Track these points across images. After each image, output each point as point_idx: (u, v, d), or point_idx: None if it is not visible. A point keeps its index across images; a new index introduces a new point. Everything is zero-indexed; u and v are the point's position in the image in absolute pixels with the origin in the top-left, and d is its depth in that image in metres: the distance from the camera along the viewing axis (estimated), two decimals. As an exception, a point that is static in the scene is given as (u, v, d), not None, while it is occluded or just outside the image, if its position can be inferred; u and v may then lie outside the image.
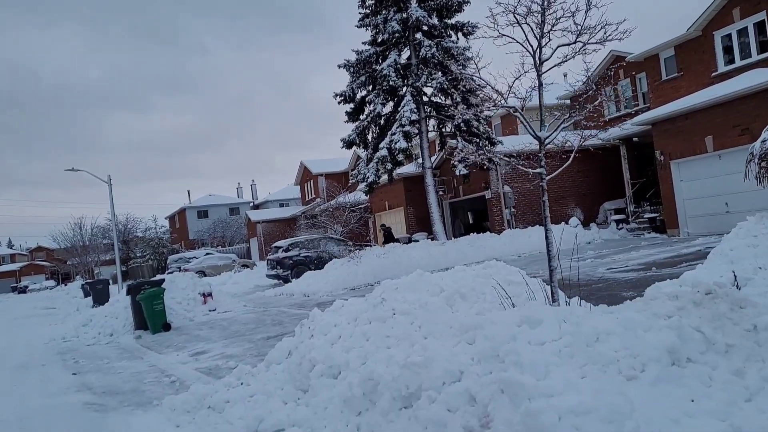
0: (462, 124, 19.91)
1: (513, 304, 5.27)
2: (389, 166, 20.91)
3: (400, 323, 5.12)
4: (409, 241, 23.77)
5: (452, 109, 20.26)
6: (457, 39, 21.28)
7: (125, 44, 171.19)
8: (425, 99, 21.77)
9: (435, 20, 21.14)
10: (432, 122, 22.62)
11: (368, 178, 20.80)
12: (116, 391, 7.67)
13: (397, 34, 20.72)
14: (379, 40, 21.46)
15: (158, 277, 18.69)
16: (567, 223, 20.11)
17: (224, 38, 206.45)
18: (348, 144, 22.04)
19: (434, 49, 20.15)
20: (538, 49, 5.66)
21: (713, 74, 18.47)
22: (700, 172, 16.37)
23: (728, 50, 18.34)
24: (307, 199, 44.85)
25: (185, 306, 14.60)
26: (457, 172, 21.97)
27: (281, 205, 50.94)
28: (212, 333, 12.02)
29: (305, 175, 44.92)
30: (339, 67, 21.59)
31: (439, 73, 20.81)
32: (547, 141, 5.71)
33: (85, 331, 14.15)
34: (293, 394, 5.52)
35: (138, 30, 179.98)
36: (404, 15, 20.59)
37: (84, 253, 53.32)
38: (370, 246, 23.94)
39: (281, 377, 5.89)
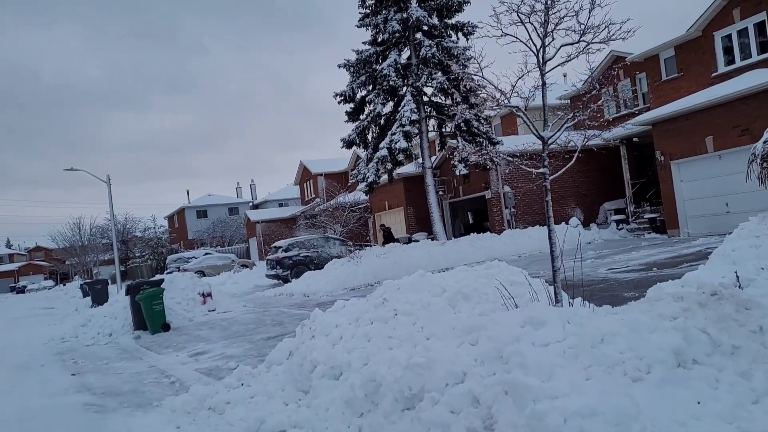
0: (462, 124, 19.91)
1: (516, 304, 5.24)
2: (389, 166, 20.92)
3: (403, 324, 5.09)
4: (409, 241, 23.74)
5: (453, 108, 20.25)
6: (458, 39, 21.29)
7: (125, 44, 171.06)
8: (425, 99, 21.77)
9: (435, 20, 21.16)
10: (432, 122, 22.63)
11: (368, 178, 20.79)
12: (116, 392, 7.64)
13: (397, 34, 20.71)
14: (380, 39, 21.46)
15: (157, 277, 18.66)
16: (567, 223, 20.12)
17: (223, 38, 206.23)
18: (348, 144, 22.04)
19: (434, 49, 20.16)
20: (542, 49, 5.64)
21: (713, 75, 18.47)
22: (701, 173, 16.36)
23: (728, 51, 18.33)
24: (306, 199, 44.80)
25: (185, 306, 14.57)
26: (457, 172, 21.98)
27: (281, 205, 50.87)
28: (212, 333, 11.98)
29: (305, 175, 44.89)
30: (339, 66, 21.59)
31: (440, 73, 20.82)
32: (550, 141, 5.69)
33: (84, 332, 14.10)
34: (294, 395, 5.48)
35: (137, 30, 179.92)
36: (404, 15, 20.59)
37: (83, 253, 53.20)
38: (370, 246, 23.92)
39: (282, 378, 5.85)
